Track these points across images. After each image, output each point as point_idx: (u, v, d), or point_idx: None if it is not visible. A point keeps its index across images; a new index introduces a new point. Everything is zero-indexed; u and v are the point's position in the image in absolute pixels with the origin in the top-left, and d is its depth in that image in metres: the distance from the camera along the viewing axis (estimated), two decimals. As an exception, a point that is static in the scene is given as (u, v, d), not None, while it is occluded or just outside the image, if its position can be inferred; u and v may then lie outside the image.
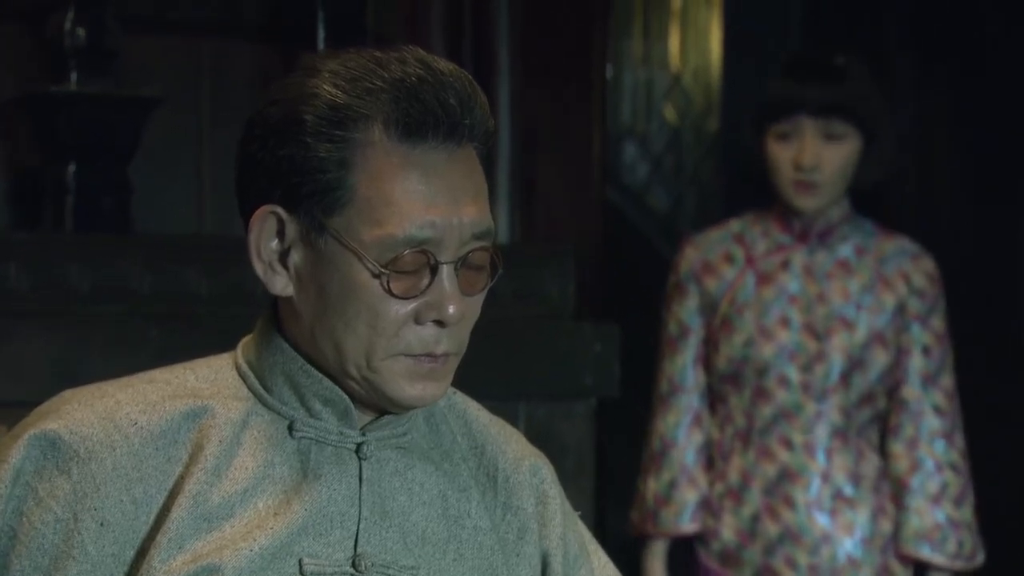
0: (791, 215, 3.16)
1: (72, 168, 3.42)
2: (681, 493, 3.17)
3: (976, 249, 3.44)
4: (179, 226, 3.71)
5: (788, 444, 3.12)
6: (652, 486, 3.20)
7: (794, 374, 3.11)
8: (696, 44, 5.20)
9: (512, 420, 1.78)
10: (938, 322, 3.18)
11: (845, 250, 3.17)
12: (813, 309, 3.14)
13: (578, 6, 4.10)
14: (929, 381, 3.15)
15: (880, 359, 3.13)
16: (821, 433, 3.11)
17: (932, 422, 3.14)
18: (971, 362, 3.36)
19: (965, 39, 4.38)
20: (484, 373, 3.31)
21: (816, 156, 3.09)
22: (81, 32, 3.39)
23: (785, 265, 3.17)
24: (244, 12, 3.75)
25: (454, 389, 1.68)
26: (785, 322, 3.14)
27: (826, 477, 3.11)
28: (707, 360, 3.19)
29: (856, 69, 3.15)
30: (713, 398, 3.20)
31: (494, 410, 1.73)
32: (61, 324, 3.13)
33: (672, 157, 5.29)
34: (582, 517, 1.76)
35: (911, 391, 3.15)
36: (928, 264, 3.20)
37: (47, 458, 1.55)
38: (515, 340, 3.49)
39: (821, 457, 3.11)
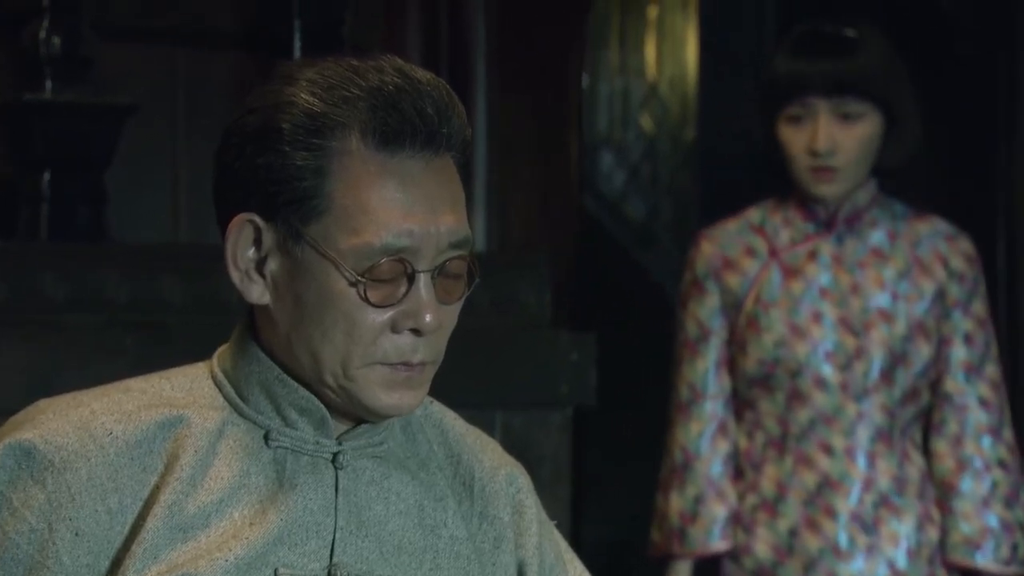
0: (813, 202, 2.93)
1: (47, 177, 3.40)
2: (709, 508, 2.94)
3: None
4: (155, 235, 3.70)
5: (828, 450, 2.90)
6: (676, 503, 2.97)
7: (831, 374, 2.89)
8: (672, 54, 5.21)
9: (488, 429, 1.77)
10: (979, 307, 2.96)
11: (877, 236, 2.94)
12: (847, 302, 2.91)
13: (554, 16, 4.11)
14: (973, 372, 2.93)
15: (923, 351, 2.91)
16: (863, 436, 2.89)
17: (978, 416, 2.92)
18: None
19: (942, 50, 4.40)
20: (460, 382, 3.31)
21: (831, 139, 2.85)
22: (56, 40, 3.38)
23: (813, 256, 2.94)
24: (220, 21, 3.74)
25: (431, 399, 1.67)
26: (818, 318, 2.91)
27: (868, 484, 2.89)
28: (732, 363, 2.96)
29: (871, 41, 2.90)
30: (739, 404, 2.97)
31: (470, 419, 1.72)
32: (36, 333, 3.12)
33: (648, 166, 5.30)
34: (558, 526, 1.76)
35: (954, 384, 2.93)
36: (966, 245, 2.98)
37: (22, 468, 1.54)
38: (491, 349, 3.48)
39: (863, 462, 2.89)
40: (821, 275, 2.93)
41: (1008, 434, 2.96)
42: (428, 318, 1.54)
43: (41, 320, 3.14)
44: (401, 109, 1.52)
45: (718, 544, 2.95)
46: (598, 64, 5.14)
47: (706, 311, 2.97)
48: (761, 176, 3.06)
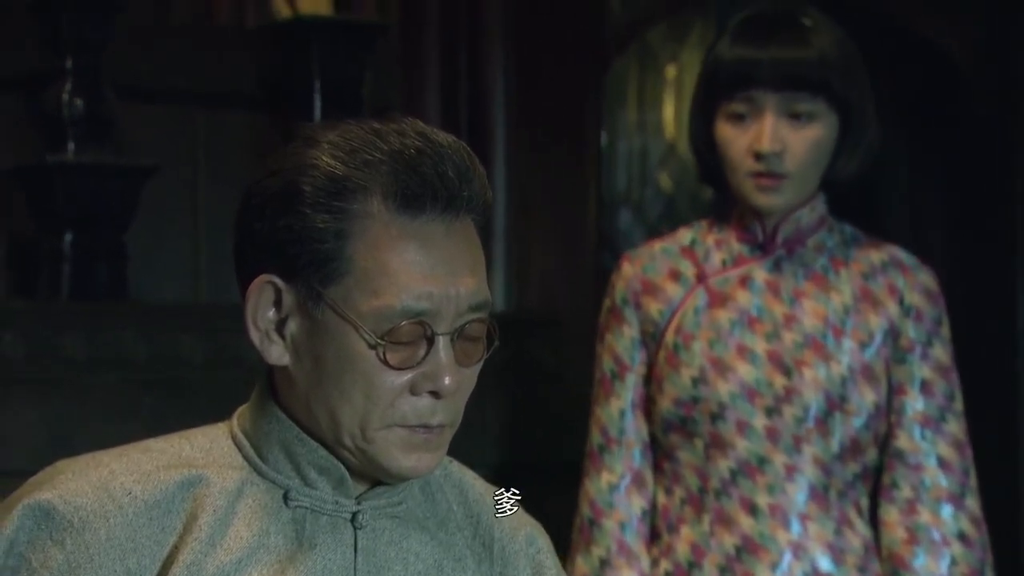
0: (752, 218, 2.51)
1: (68, 237, 3.42)
2: (616, 574, 2.51)
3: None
4: (175, 294, 3.71)
5: (751, 508, 2.46)
6: (581, 567, 2.53)
7: (757, 418, 2.46)
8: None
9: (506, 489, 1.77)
10: (940, 351, 2.52)
11: (820, 261, 2.53)
12: (779, 335, 2.49)
13: (572, 75, 4.12)
14: (931, 427, 2.49)
15: (867, 398, 2.48)
16: (793, 493, 2.45)
17: (936, 480, 2.48)
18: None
19: (958, 111, 4.40)
20: (480, 442, 3.31)
21: (779, 140, 2.44)
22: (79, 102, 3.41)
23: (744, 282, 2.52)
24: (241, 81, 3.76)
25: (450, 458, 1.68)
26: (743, 352, 2.49)
27: (799, 552, 2.46)
28: (649, 404, 2.55)
29: (826, 31, 2.49)
30: (658, 454, 2.54)
31: (488, 479, 1.72)
32: (56, 392, 3.12)
33: (667, 224, 5.30)
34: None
35: (908, 440, 2.49)
36: (926, 277, 2.55)
37: (41, 528, 1.54)
38: (510, 409, 3.48)
39: (794, 525, 2.46)
40: (752, 303, 2.51)
41: (972, 503, 2.51)
42: (447, 381, 1.54)
43: (61, 379, 3.15)
44: (422, 172, 1.53)
45: None
46: (616, 123, 5.15)
47: (623, 344, 2.56)
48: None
